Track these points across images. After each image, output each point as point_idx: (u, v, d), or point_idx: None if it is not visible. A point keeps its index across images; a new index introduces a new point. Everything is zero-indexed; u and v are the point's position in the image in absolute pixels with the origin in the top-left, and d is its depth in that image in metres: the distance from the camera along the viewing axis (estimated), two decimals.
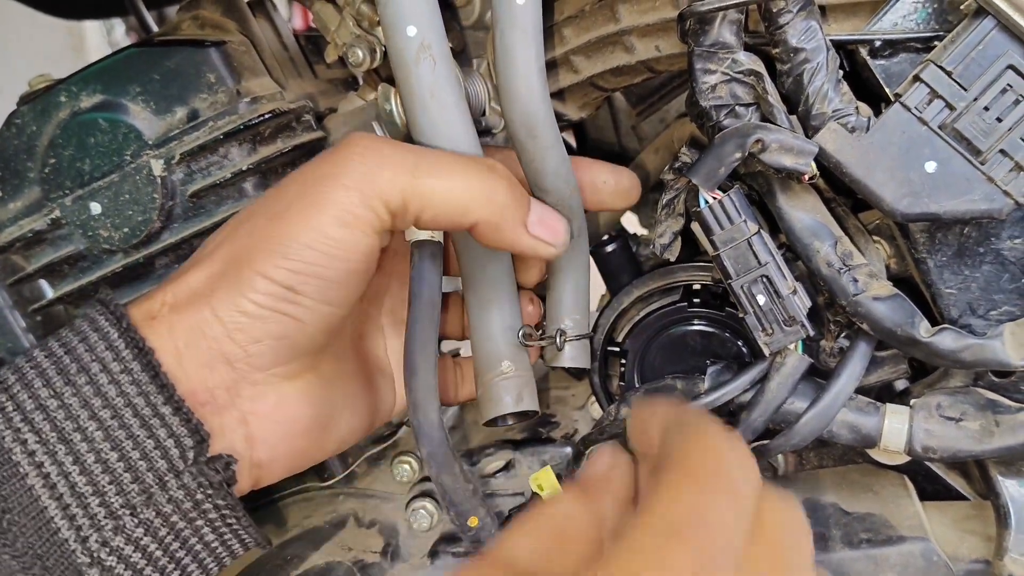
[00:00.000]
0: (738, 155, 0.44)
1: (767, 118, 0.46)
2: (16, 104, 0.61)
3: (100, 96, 0.59)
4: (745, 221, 0.46)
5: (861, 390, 0.50)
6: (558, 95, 0.58)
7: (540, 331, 0.56)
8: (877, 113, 0.46)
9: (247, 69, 0.60)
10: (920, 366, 0.51)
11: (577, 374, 0.69)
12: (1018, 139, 0.42)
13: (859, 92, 0.46)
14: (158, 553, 0.43)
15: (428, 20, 0.46)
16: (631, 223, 0.82)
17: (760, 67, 0.45)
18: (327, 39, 0.62)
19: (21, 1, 1.03)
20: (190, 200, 0.59)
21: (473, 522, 0.48)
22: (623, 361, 0.57)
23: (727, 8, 0.44)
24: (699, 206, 0.47)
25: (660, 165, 0.67)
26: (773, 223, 0.49)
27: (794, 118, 0.46)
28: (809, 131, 0.45)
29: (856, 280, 0.45)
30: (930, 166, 0.43)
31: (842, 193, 0.50)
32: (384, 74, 0.65)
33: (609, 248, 0.58)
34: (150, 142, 0.58)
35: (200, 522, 0.44)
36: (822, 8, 0.46)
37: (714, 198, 0.46)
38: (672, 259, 0.51)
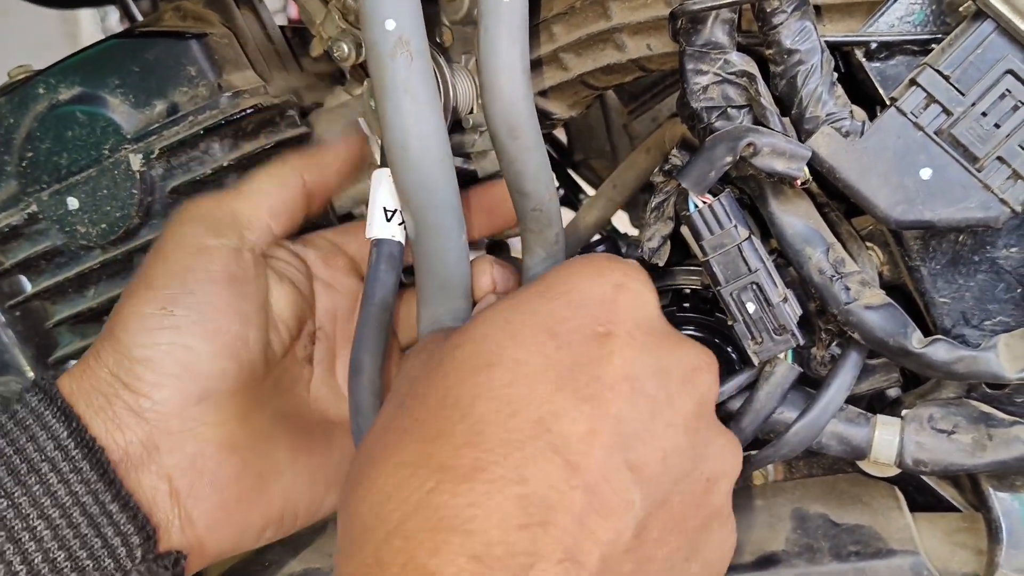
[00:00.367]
0: (729, 159, 0.43)
1: (760, 120, 0.45)
2: None
3: (79, 88, 0.58)
4: (735, 226, 0.45)
5: (852, 399, 0.49)
6: (547, 93, 0.57)
7: None
8: (872, 117, 0.45)
9: (229, 62, 0.58)
10: (912, 375, 0.50)
11: None
12: (1016, 146, 0.41)
13: (854, 95, 0.45)
14: None
15: (408, 14, 0.45)
16: (622, 222, 0.81)
17: (753, 68, 0.44)
18: (313, 32, 0.61)
19: None
20: (170, 196, 0.58)
21: None
22: None
23: (720, 7, 0.43)
24: (688, 210, 0.46)
25: (651, 165, 0.66)
26: (765, 227, 0.48)
27: (787, 121, 0.45)
28: (802, 135, 0.44)
29: (848, 288, 0.44)
30: (925, 172, 0.42)
31: (835, 198, 0.49)
32: None
33: (598, 250, 0.57)
34: (129, 136, 0.57)
35: None
36: (817, 8, 0.45)
37: (704, 202, 0.45)
38: (661, 263, 0.49)
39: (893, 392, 0.51)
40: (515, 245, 0.60)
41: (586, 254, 0.44)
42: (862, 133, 0.43)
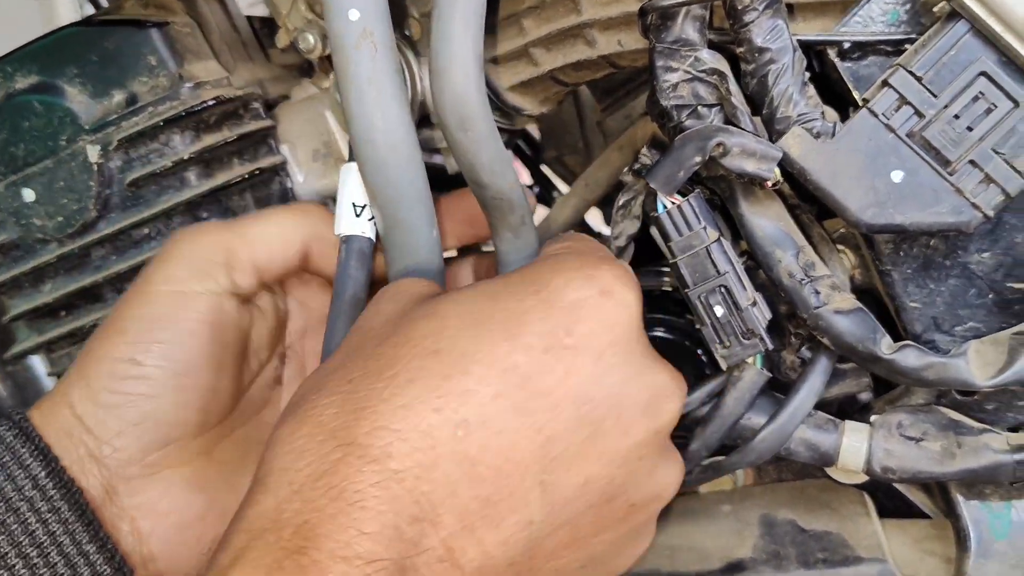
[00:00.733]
0: (698, 159, 0.42)
1: (730, 120, 0.44)
2: None
3: (35, 77, 0.56)
4: (705, 228, 0.44)
5: (821, 404, 0.48)
6: (518, 88, 0.56)
7: None
8: (845, 118, 0.44)
9: (191, 52, 0.57)
10: (883, 380, 0.49)
11: None
12: (988, 150, 0.40)
13: (827, 95, 0.44)
14: None
15: (372, 4, 0.43)
16: (595, 220, 0.80)
17: (724, 66, 0.43)
18: (279, 24, 0.59)
19: None
20: (128, 189, 0.56)
21: None
22: None
23: (690, 3, 0.42)
24: (657, 211, 0.45)
25: (624, 163, 0.65)
26: (736, 229, 0.47)
27: (758, 120, 0.44)
28: (773, 135, 0.43)
29: (818, 292, 0.43)
30: (897, 175, 0.41)
31: (807, 200, 0.48)
32: None
33: None
34: (86, 127, 0.56)
35: None
36: (790, 6, 0.44)
37: (673, 203, 0.44)
38: (626, 263, 0.48)
39: (864, 396, 0.51)
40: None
41: (581, 244, 0.41)
42: (833, 134, 0.42)
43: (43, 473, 0.43)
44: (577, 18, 0.50)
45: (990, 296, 0.45)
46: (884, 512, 0.53)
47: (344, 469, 0.32)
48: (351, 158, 0.49)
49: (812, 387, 0.45)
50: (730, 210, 0.46)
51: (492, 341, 0.35)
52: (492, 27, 0.54)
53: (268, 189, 0.60)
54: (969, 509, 0.46)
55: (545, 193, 0.87)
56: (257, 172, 0.58)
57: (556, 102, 0.59)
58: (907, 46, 0.42)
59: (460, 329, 0.36)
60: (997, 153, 0.40)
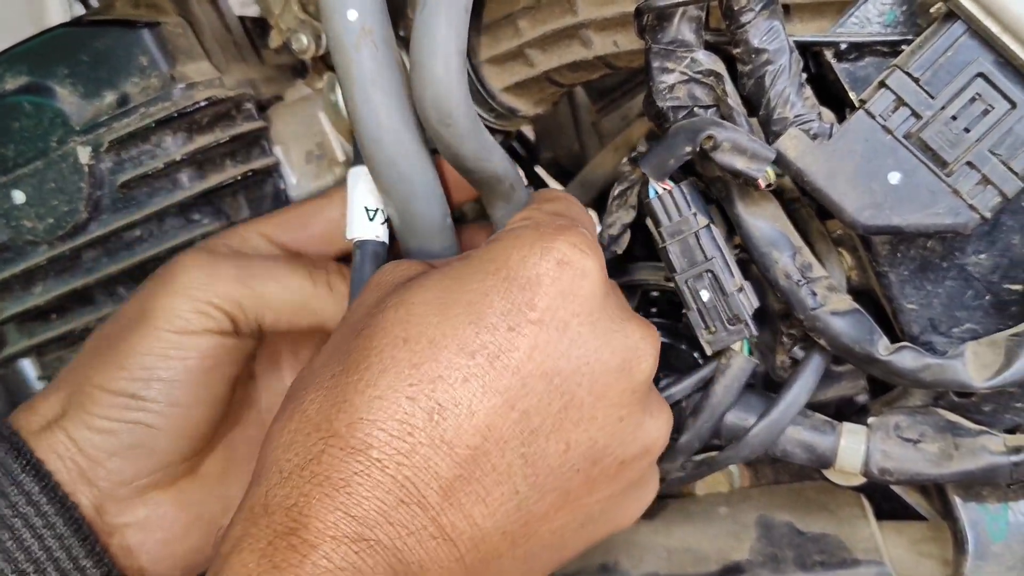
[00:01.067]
0: (688, 148, 0.42)
1: (726, 120, 0.43)
2: None
3: (25, 78, 0.56)
4: (695, 214, 0.44)
5: (818, 406, 0.48)
6: (513, 89, 0.56)
7: None
8: (841, 118, 0.44)
9: (183, 52, 0.56)
10: (879, 381, 0.49)
11: None
12: (986, 151, 0.40)
13: (823, 96, 0.44)
14: None
15: (370, 3, 0.43)
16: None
17: (720, 67, 0.43)
18: (271, 24, 0.59)
19: None
20: (120, 191, 0.56)
21: None
22: None
23: (687, 4, 0.41)
24: (649, 196, 0.45)
25: (619, 165, 0.65)
26: (732, 228, 0.47)
27: (755, 122, 0.44)
28: (770, 136, 0.43)
29: (815, 293, 0.43)
30: (894, 177, 0.41)
31: (807, 194, 0.48)
32: (331, 62, 0.62)
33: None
34: (77, 128, 0.55)
35: None
36: (786, 7, 0.44)
37: (664, 188, 0.44)
38: (619, 251, 0.48)
39: (861, 399, 0.50)
40: None
41: (540, 215, 0.41)
42: (830, 136, 0.42)
43: (36, 489, 0.43)
44: (573, 19, 0.50)
45: (987, 298, 0.44)
46: (881, 514, 0.53)
47: (328, 459, 0.34)
48: (357, 160, 0.49)
49: (805, 384, 0.45)
50: (727, 210, 0.46)
51: (457, 325, 0.36)
52: (487, 28, 0.54)
53: (261, 191, 0.59)
54: (966, 511, 0.46)
55: None
56: (250, 174, 0.58)
57: (551, 103, 0.58)
58: (904, 47, 0.42)
59: (426, 316, 0.36)
60: (994, 154, 0.40)
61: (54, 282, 0.59)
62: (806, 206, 0.47)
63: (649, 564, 0.51)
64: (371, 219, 0.47)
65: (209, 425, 0.48)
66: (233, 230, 0.52)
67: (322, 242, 0.52)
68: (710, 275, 0.43)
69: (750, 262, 0.45)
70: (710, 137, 0.40)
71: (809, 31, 0.45)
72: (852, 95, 0.43)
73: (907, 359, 0.42)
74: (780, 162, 0.42)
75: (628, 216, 0.47)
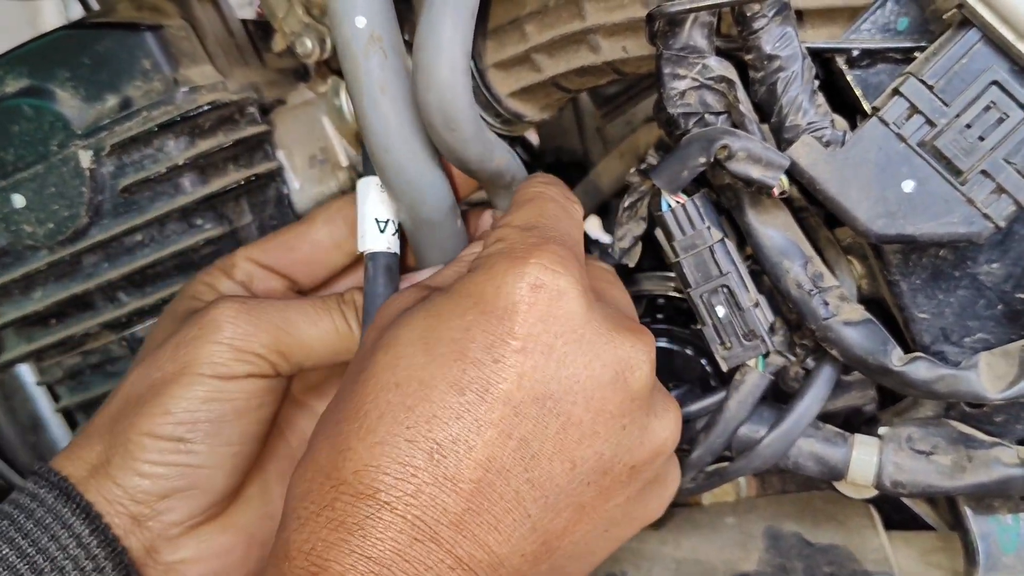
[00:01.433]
0: (703, 159, 0.41)
1: (738, 128, 0.43)
2: None
3: (26, 81, 0.55)
4: (708, 228, 0.43)
5: (827, 416, 0.48)
6: (519, 94, 0.55)
7: None
8: (853, 125, 0.44)
9: (186, 56, 0.56)
10: (888, 391, 0.49)
11: None
12: (1000, 160, 0.40)
13: (834, 101, 0.44)
14: None
15: (379, 10, 0.42)
16: (594, 228, 0.79)
17: (732, 74, 0.43)
18: (275, 27, 0.59)
19: None
20: (121, 195, 0.55)
21: None
22: None
23: (699, 10, 0.41)
24: (661, 209, 0.44)
25: (625, 170, 0.64)
26: (743, 236, 0.46)
27: (766, 128, 0.43)
28: (782, 143, 0.42)
29: (827, 303, 0.43)
30: (907, 185, 0.41)
31: (815, 203, 0.47)
32: (335, 66, 0.61)
33: None
34: (78, 132, 0.54)
35: None
36: (798, 13, 0.43)
37: (677, 202, 0.44)
38: (631, 264, 0.48)
39: (869, 408, 0.50)
40: None
41: (513, 235, 0.41)
42: (843, 143, 0.41)
43: (87, 532, 0.43)
44: (581, 24, 0.49)
45: (999, 307, 0.44)
46: (889, 524, 0.53)
47: (341, 505, 0.35)
48: (366, 171, 0.48)
49: (816, 394, 0.45)
50: (737, 219, 0.45)
51: (443, 364, 0.36)
52: (493, 32, 0.53)
53: (264, 195, 0.59)
54: (977, 523, 0.46)
55: None
56: (253, 178, 0.57)
57: (557, 108, 0.58)
58: (916, 54, 0.42)
59: (413, 357, 0.37)
60: (1009, 163, 0.40)
61: (54, 287, 0.58)
62: (814, 215, 0.47)
63: (657, 574, 0.50)
64: (382, 231, 0.47)
65: (253, 458, 0.49)
66: (225, 260, 0.52)
67: (308, 263, 0.53)
68: (726, 290, 0.43)
69: (761, 272, 0.44)
70: (725, 147, 0.40)
71: (821, 37, 0.44)
72: (864, 102, 0.43)
73: (921, 370, 0.41)
74: (792, 170, 0.41)
75: (639, 228, 0.47)
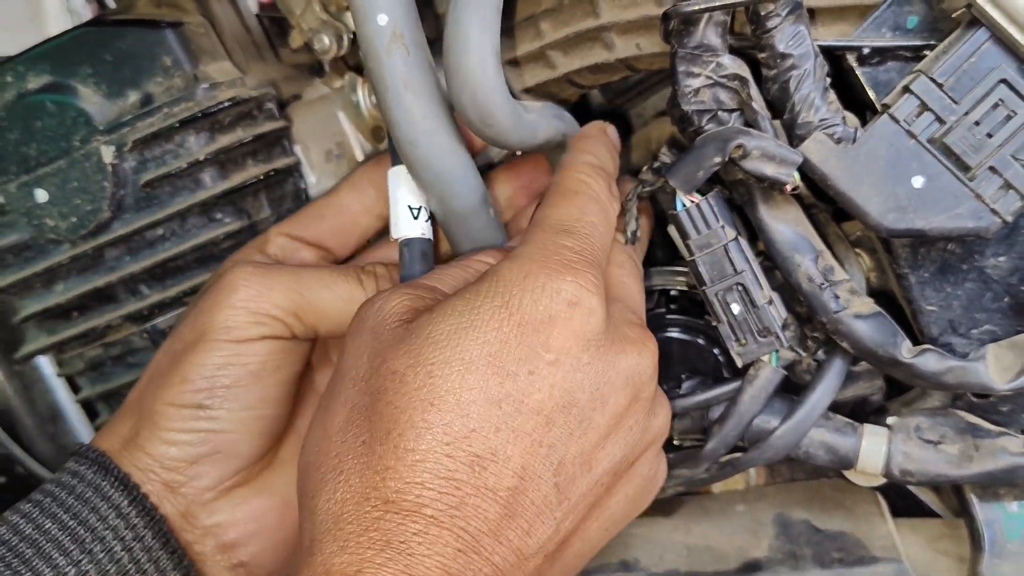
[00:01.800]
0: (718, 159, 0.42)
1: (751, 125, 0.44)
2: None
3: (48, 77, 0.56)
4: (723, 226, 0.44)
5: (836, 406, 0.49)
6: (533, 90, 0.56)
7: None
8: (863, 121, 0.44)
9: (206, 52, 0.57)
10: (895, 381, 0.50)
11: None
12: (1008, 156, 0.41)
13: (845, 98, 0.44)
14: None
15: (400, 7, 0.43)
16: None
17: (745, 72, 0.44)
18: (292, 23, 0.59)
19: None
20: (143, 189, 0.56)
21: None
22: None
23: (714, 9, 0.42)
24: (676, 209, 0.45)
25: (636, 164, 0.65)
26: (753, 230, 0.47)
27: (778, 124, 0.44)
28: (794, 140, 0.43)
29: (837, 296, 0.44)
30: (917, 181, 0.42)
31: (823, 200, 0.48)
32: (352, 62, 0.62)
33: None
34: (100, 127, 0.55)
35: None
36: (810, 11, 0.44)
37: (692, 201, 0.45)
38: (642, 253, 0.49)
39: (877, 398, 0.51)
40: None
41: (542, 250, 0.41)
42: (854, 140, 0.42)
43: (125, 502, 0.45)
44: (595, 21, 0.50)
45: (1006, 300, 0.45)
46: (896, 512, 0.54)
47: (386, 525, 0.35)
48: (396, 161, 0.49)
49: (828, 386, 0.46)
50: (748, 214, 0.46)
51: (482, 378, 0.37)
52: (509, 30, 0.54)
53: (282, 190, 0.60)
54: (983, 510, 0.47)
55: None
56: (272, 173, 0.58)
57: (571, 104, 0.59)
58: (926, 52, 0.43)
59: (448, 376, 0.37)
60: (1016, 160, 0.41)
61: (76, 280, 0.59)
62: (824, 211, 0.48)
63: (669, 561, 0.51)
64: (415, 217, 0.48)
65: (280, 421, 0.49)
66: (259, 238, 0.53)
67: (339, 231, 0.54)
68: (740, 288, 0.44)
69: (772, 267, 0.45)
70: (740, 146, 0.41)
71: (832, 34, 0.45)
72: (875, 99, 0.44)
73: (930, 362, 0.42)
74: (804, 166, 0.42)
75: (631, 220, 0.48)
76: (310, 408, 0.53)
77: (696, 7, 0.42)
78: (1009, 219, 0.41)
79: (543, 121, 0.48)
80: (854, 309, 0.43)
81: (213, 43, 0.58)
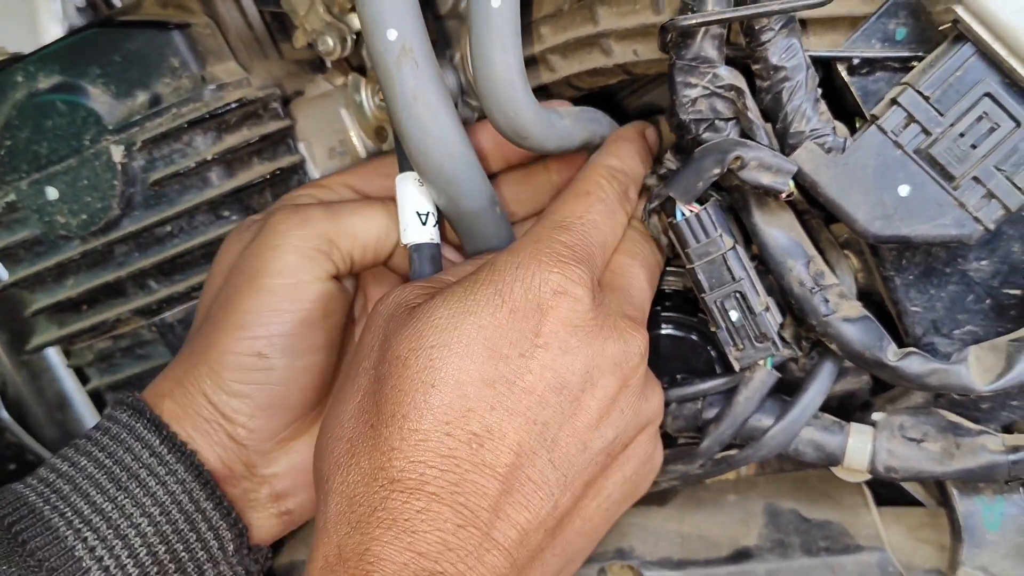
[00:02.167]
0: (717, 171, 0.44)
1: (746, 133, 0.45)
2: None
3: (58, 77, 0.57)
4: (721, 235, 0.46)
5: (825, 400, 0.51)
6: (533, 92, 0.57)
7: None
8: (851, 125, 0.46)
9: (212, 53, 0.58)
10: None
11: None
12: (991, 167, 0.42)
13: (833, 104, 0.46)
14: None
15: (409, 22, 0.45)
16: None
17: (741, 83, 0.45)
18: (296, 23, 0.60)
19: None
20: (151, 188, 0.58)
21: None
22: None
23: (710, 24, 0.43)
24: (676, 218, 0.47)
25: None
26: (747, 231, 0.49)
27: (769, 127, 0.46)
28: (786, 148, 0.45)
29: (827, 300, 0.45)
30: (903, 189, 0.43)
31: (816, 205, 0.50)
32: (355, 62, 0.63)
33: None
34: (110, 127, 0.57)
35: None
36: (802, 21, 0.46)
37: (691, 211, 0.46)
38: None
39: (863, 393, 0.53)
40: None
41: (540, 238, 0.45)
42: (844, 149, 0.44)
43: (157, 441, 0.47)
44: (594, 28, 0.52)
45: (987, 301, 0.47)
46: (880, 500, 0.56)
47: (392, 504, 0.38)
48: (403, 167, 0.51)
49: (819, 388, 0.48)
50: (743, 219, 0.48)
51: (478, 361, 0.40)
52: None
53: (287, 186, 0.61)
54: (963, 502, 0.49)
55: None
56: (278, 172, 0.59)
57: (569, 104, 0.60)
58: (915, 63, 0.44)
59: (447, 359, 0.40)
60: (999, 170, 0.42)
61: (86, 275, 0.61)
62: (816, 216, 0.49)
63: (663, 549, 0.53)
64: (423, 223, 0.50)
65: (330, 372, 0.52)
66: (318, 182, 0.55)
67: None
68: (738, 295, 0.45)
69: (766, 271, 0.47)
70: (738, 158, 0.43)
71: (823, 44, 0.46)
72: (864, 108, 0.45)
73: (914, 364, 0.44)
74: (796, 174, 0.44)
75: (657, 232, 0.50)
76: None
77: (693, 21, 0.43)
78: (991, 227, 0.43)
79: (578, 126, 0.51)
80: (843, 313, 0.45)
81: (219, 43, 0.59)
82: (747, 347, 0.46)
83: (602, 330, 0.43)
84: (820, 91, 0.45)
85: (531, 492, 0.40)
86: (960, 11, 0.41)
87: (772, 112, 0.45)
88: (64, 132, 0.57)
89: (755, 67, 0.45)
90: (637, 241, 0.50)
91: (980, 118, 0.42)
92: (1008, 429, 0.48)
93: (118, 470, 0.46)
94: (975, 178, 0.43)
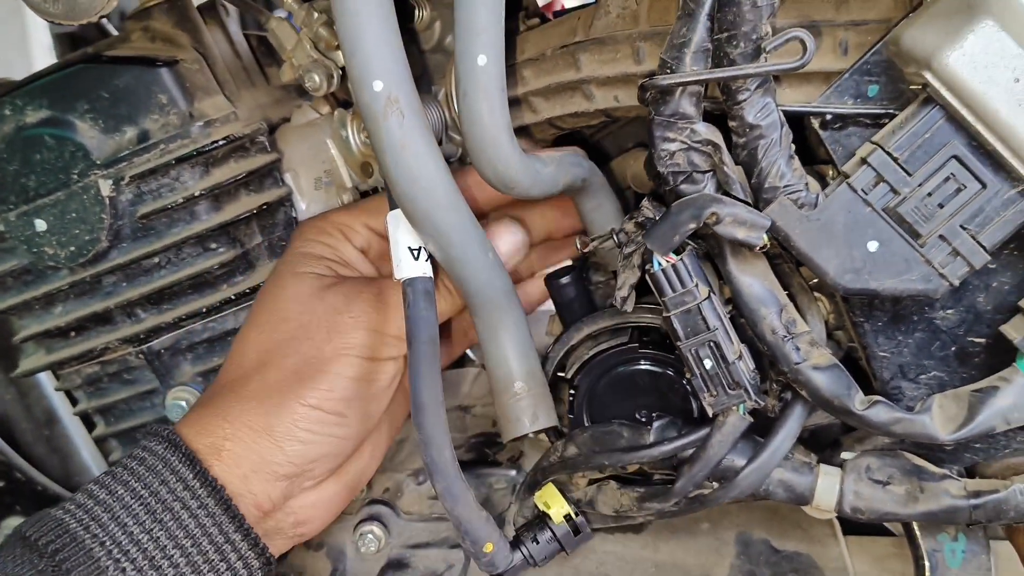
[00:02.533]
0: (693, 225, 0.46)
1: (723, 185, 0.47)
2: None
3: (47, 112, 0.58)
4: (697, 285, 0.47)
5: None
6: (515, 132, 0.59)
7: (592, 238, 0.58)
8: (819, 177, 0.48)
9: (199, 89, 0.59)
10: None
11: None
12: (957, 226, 0.44)
13: (804, 155, 0.47)
14: None
15: (394, 73, 0.46)
16: None
17: (718, 138, 0.46)
18: (283, 58, 0.61)
19: None
20: (140, 221, 0.58)
21: (488, 548, 0.51)
22: (571, 391, 0.58)
23: (688, 84, 0.44)
24: (653, 268, 0.48)
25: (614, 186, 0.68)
26: (720, 274, 0.50)
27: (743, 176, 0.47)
28: (760, 203, 0.46)
29: (799, 348, 0.47)
30: (872, 245, 0.45)
31: (788, 251, 0.51)
32: (341, 97, 0.64)
33: (563, 280, 0.59)
34: (98, 161, 0.57)
35: None
36: (776, 76, 0.47)
37: (668, 262, 0.48)
38: (629, 310, 0.52)
39: (833, 429, 0.55)
40: None
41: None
42: (815, 205, 0.45)
43: (190, 475, 0.50)
44: (576, 74, 0.53)
45: (953, 348, 0.49)
46: (849, 526, 0.58)
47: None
48: (393, 205, 0.52)
49: (789, 431, 0.49)
50: (719, 265, 0.49)
51: None
52: None
53: (274, 218, 0.62)
54: (926, 541, 0.51)
55: None
56: (264, 206, 0.60)
57: (551, 141, 0.61)
58: (886, 120, 0.46)
59: None
60: (964, 229, 0.44)
61: (75, 304, 0.61)
62: (788, 262, 0.51)
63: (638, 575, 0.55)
64: (416, 258, 0.51)
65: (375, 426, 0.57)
66: (343, 222, 0.59)
67: None
68: (712, 344, 0.47)
69: (739, 317, 0.49)
70: (714, 214, 0.44)
71: (798, 96, 0.48)
72: (836, 164, 0.47)
73: (881, 413, 0.46)
74: (770, 228, 0.46)
75: (634, 277, 0.51)
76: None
77: (671, 81, 0.45)
78: (956, 283, 0.45)
79: (561, 171, 0.53)
80: (813, 361, 0.47)
81: (206, 78, 0.59)
82: (720, 394, 0.48)
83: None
84: (794, 147, 0.46)
85: None
86: (929, 77, 0.42)
87: (747, 167, 0.46)
88: (52, 166, 0.57)
89: (731, 124, 0.46)
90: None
91: (947, 179, 0.44)
92: (971, 469, 0.50)
93: (153, 502, 0.49)
94: (941, 236, 0.44)
